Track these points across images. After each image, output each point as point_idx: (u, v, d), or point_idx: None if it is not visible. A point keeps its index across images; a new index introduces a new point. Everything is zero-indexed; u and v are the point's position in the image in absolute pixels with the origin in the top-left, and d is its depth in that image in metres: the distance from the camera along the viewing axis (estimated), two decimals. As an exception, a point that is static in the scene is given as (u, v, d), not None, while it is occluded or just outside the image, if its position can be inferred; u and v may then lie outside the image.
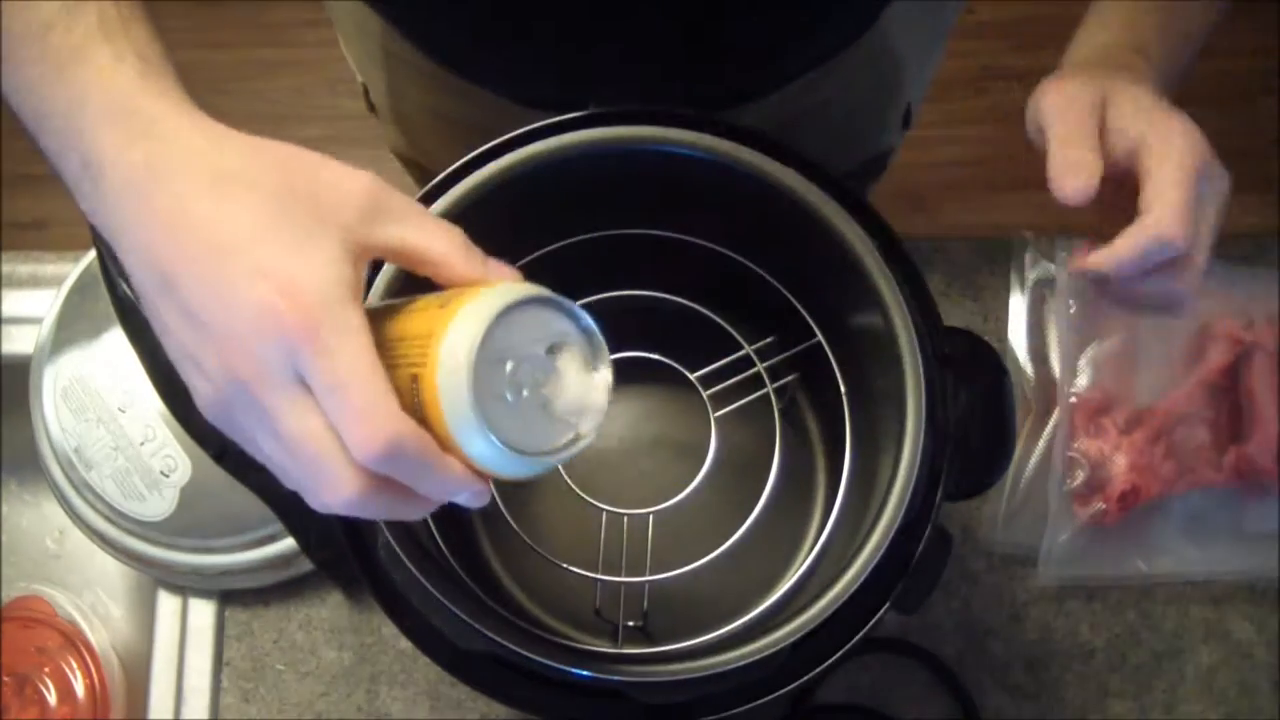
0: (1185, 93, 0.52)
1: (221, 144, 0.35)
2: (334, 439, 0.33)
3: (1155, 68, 0.51)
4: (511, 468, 0.34)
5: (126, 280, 0.39)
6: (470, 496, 0.35)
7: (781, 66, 0.62)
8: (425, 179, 0.51)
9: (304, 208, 0.34)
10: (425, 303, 0.36)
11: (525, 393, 0.34)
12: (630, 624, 0.57)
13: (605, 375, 0.35)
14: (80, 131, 0.36)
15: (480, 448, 0.33)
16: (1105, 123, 0.48)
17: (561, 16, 0.55)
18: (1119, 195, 0.48)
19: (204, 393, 0.35)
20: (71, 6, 0.37)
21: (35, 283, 0.77)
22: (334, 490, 0.33)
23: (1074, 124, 0.47)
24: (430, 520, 0.52)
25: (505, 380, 0.33)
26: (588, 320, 0.35)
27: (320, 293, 0.32)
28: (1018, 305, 0.76)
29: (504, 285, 0.35)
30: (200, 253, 0.34)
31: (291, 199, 0.34)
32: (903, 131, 0.79)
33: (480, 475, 0.34)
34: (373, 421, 0.32)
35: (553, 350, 0.35)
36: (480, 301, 0.33)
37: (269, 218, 0.34)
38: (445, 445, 0.33)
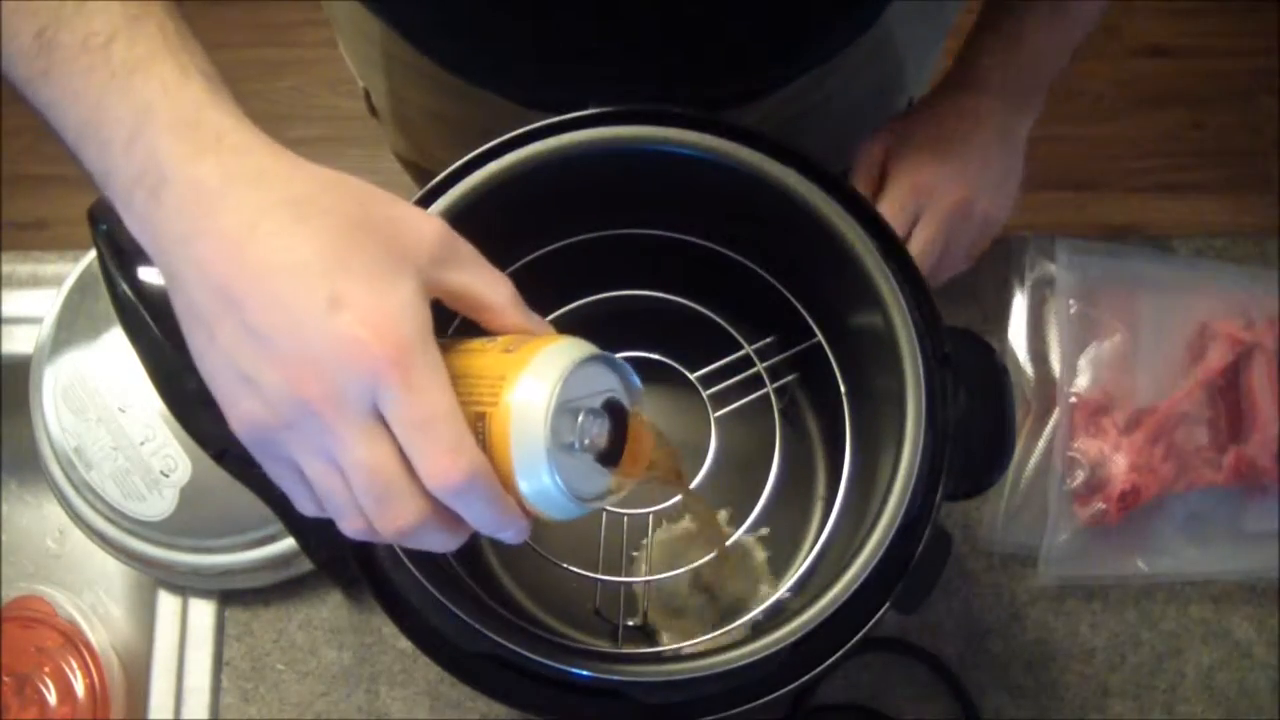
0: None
1: (293, 166, 0.36)
2: (406, 469, 0.34)
3: (994, 94, 0.64)
4: (564, 509, 0.36)
5: (129, 281, 0.39)
6: (516, 532, 0.36)
7: (783, 68, 0.62)
8: (425, 180, 0.51)
9: (380, 243, 0.35)
10: (481, 344, 0.37)
11: (586, 441, 0.36)
12: (630, 624, 0.57)
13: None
14: (141, 142, 0.35)
15: (543, 489, 0.35)
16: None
17: (562, 19, 0.55)
18: None
19: (250, 410, 0.34)
20: (133, 18, 0.36)
21: (35, 283, 0.77)
22: (393, 519, 0.34)
23: (863, 172, 0.65)
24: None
25: (575, 429, 0.36)
26: (634, 378, 0.39)
27: (408, 330, 0.33)
28: (1018, 305, 0.76)
29: (571, 340, 0.37)
30: (270, 272, 0.33)
31: (366, 233, 0.34)
32: (902, 131, 0.79)
33: (527, 513, 0.36)
34: (456, 455, 0.33)
35: (606, 404, 0.37)
36: (556, 353, 0.35)
37: (344, 247, 0.34)
38: (504, 483, 0.35)
